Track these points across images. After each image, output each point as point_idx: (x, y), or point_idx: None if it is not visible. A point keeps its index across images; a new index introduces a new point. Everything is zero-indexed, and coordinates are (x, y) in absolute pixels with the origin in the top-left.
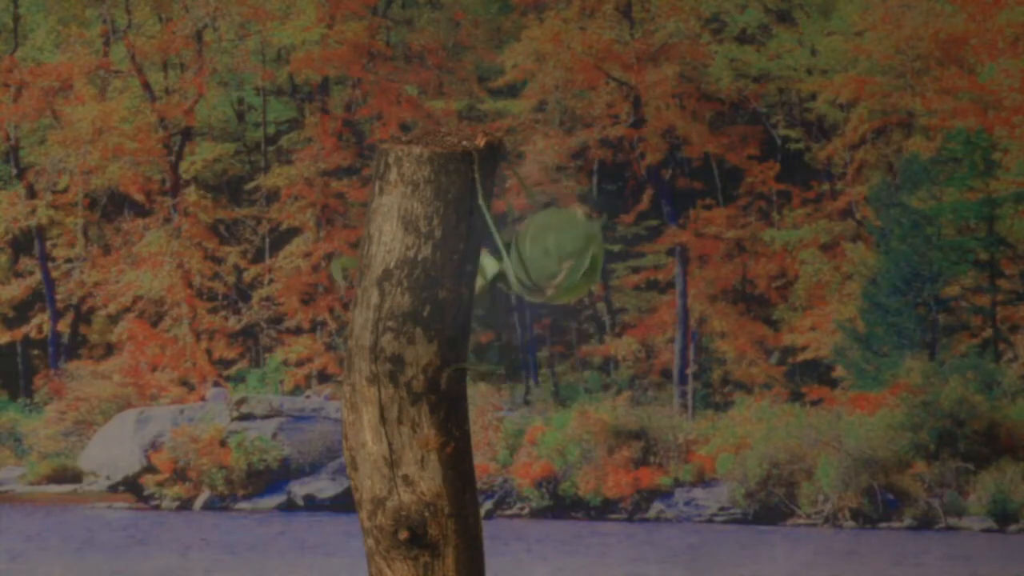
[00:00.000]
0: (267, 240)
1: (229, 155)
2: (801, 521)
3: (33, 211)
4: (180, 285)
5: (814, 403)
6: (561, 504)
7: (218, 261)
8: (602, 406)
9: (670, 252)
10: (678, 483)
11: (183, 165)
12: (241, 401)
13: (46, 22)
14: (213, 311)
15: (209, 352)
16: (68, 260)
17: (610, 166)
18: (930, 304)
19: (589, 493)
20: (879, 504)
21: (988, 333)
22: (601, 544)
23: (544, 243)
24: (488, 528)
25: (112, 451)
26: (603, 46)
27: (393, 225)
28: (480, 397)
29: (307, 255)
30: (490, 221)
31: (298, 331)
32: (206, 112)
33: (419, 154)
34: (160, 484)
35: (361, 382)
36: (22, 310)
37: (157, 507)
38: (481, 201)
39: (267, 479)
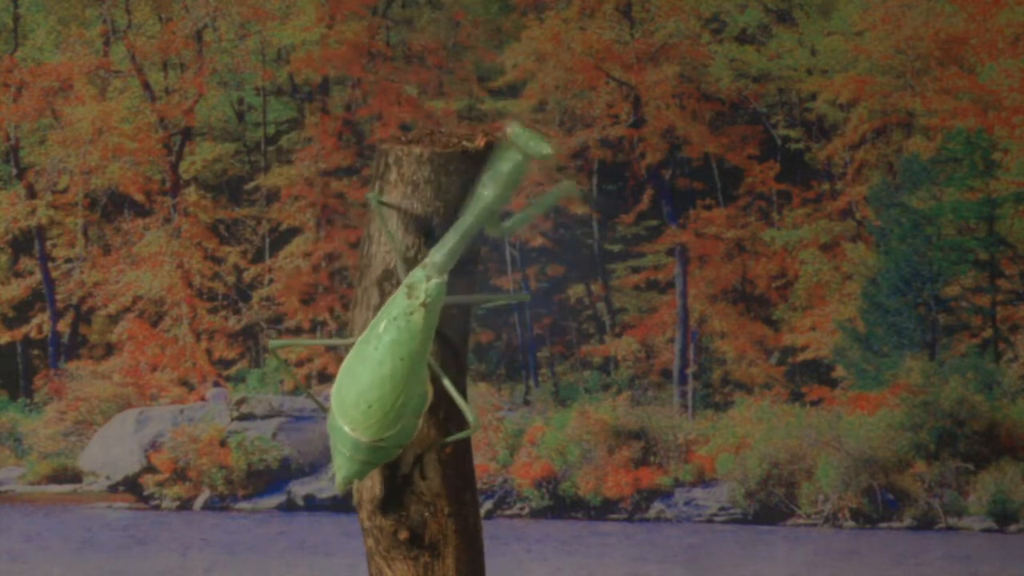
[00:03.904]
0: (267, 240)
1: (229, 155)
2: (801, 521)
3: (33, 211)
4: (180, 285)
5: (814, 403)
6: (561, 504)
7: (218, 261)
8: (602, 406)
9: (670, 252)
10: (678, 483)
11: (183, 165)
12: (241, 401)
13: (46, 22)
14: (213, 311)
15: (209, 352)
16: (68, 260)
17: (610, 166)
18: (930, 304)
19: (589, 493)
20: (879, 504)
21: (988, 333)
22: (601, 544)
23: None
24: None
25: (112, 451)
26: (603, 46)
27: (393, 225)
28: (480, 397)
29: (307, 255)
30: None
31: (298, 331)
32: (206, 112)
33: (419, 154)
34: (160, 484)
35: None
36: (22, 310)
37: (157, 507)
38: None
39: (267, 479)
